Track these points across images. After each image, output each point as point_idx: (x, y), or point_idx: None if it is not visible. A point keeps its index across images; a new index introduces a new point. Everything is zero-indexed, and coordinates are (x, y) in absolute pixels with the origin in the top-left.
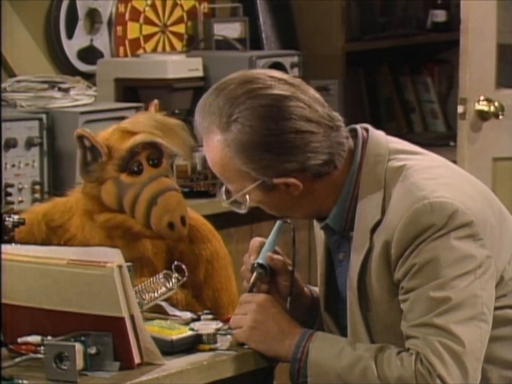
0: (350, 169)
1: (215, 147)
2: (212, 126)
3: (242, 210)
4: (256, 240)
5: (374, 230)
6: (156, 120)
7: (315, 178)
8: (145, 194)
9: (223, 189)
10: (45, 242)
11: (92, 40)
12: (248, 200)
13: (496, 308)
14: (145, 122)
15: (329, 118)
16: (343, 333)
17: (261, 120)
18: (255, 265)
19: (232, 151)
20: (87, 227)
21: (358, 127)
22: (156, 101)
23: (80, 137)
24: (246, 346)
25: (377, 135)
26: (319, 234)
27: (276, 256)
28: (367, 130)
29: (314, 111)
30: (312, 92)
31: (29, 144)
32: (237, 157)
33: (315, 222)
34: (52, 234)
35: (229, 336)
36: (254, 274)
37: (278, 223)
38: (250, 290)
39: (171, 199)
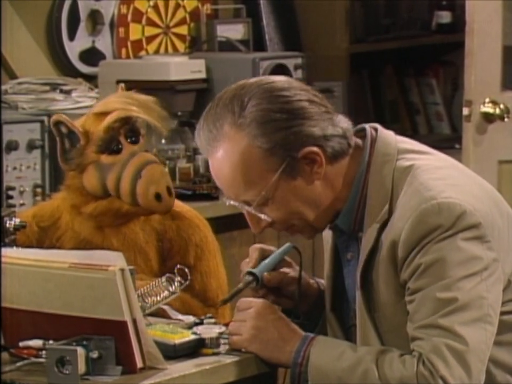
0: (359, 168)
1: (231, 147)
2: (223, 127)
3: (268, 219)
4: (255, 248)
5: (381, 229)
6: (128, 97)
7: (332, 160)
8: (128, 170)
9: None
10: (39, 242)
11: (93, 42)
12: (264, 217)
13: (503, 313)
14: (117, 101)
15: (330, 107)
16: (347, 333)
17: (275, 92)
18: (246, 272)
19: (254, 129)
20: (76, 222)
21: (367, 126)
22: (122, 84)
23: (57, 125)
24: (243, 350)
25: (386, 134)
26: (327, 234)
27: (272, 274)
28: (376, 129)
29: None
30: None
31: (31, 146)
32: (259, 135)
33: None
34: (44, 234)
35: None
36: (242, 282)
37: (286, 245)
38: (231, 297)
39: (155, 171)
